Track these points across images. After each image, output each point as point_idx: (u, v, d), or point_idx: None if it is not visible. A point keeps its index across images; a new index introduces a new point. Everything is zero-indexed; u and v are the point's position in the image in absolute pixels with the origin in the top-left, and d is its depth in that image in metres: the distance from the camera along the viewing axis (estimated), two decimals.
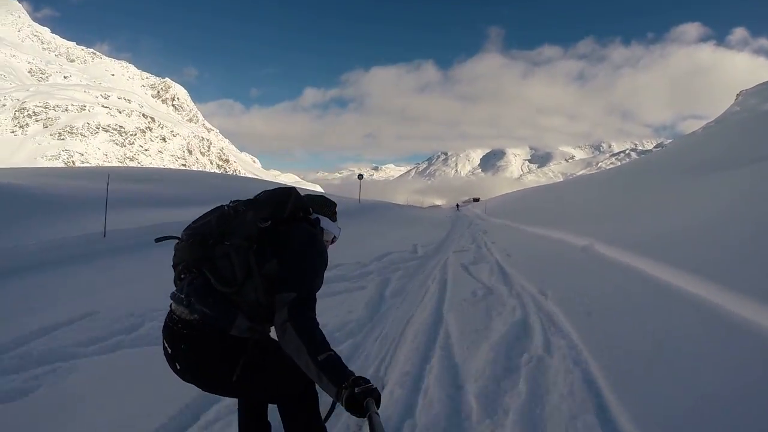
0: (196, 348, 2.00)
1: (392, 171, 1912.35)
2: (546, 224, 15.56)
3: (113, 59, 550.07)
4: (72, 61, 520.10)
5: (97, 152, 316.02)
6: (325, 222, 2.41)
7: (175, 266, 2.20)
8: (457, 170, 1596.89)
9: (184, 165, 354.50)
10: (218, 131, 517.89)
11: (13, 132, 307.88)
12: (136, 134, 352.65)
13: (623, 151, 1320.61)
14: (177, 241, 2.23)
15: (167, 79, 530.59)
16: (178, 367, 2.05)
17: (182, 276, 2.13)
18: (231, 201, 2.27)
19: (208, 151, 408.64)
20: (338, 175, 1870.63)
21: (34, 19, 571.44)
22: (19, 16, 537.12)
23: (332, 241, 2.51)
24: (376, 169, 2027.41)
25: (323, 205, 2.49)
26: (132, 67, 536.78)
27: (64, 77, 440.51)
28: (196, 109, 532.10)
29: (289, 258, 2.04)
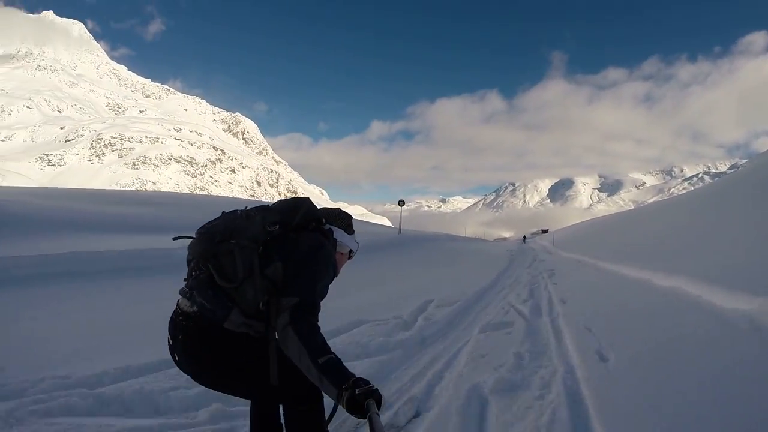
0: (191, 338, 2.03)
1: (460, 203, 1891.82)
2: (625, 259, 12.80)
3: (186, 95, 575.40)
4: (147, 96, 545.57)
5: (169, 182, 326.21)
6: (339, 234, 2.39)
7: (188, 263, 2.23)
8: (525, 201, 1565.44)
9: (253, 196, 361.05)
10: (287, 164, 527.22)
11: (90, 161, 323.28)
12: (206, 165, 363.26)
13: (696, 175, 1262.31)
14: (191, 239, 2.26)
15: (238, 114, 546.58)
16: (177, 358, 2.10)
17: (193, 273, 2.16)
18: (246, 207, 2.32)
19: (277, 182, 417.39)
20: (406, 207, 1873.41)
21: (112, 58, 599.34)
22: (98, 55, 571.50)
23: (349, 256, 2.49)
24: (443, 201, 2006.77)
25: (337, 217, 2.48)
26: (204, 103, 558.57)
27: (140, 111, 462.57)
28: (266, 143, 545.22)
29: (295, 263, 2.09)
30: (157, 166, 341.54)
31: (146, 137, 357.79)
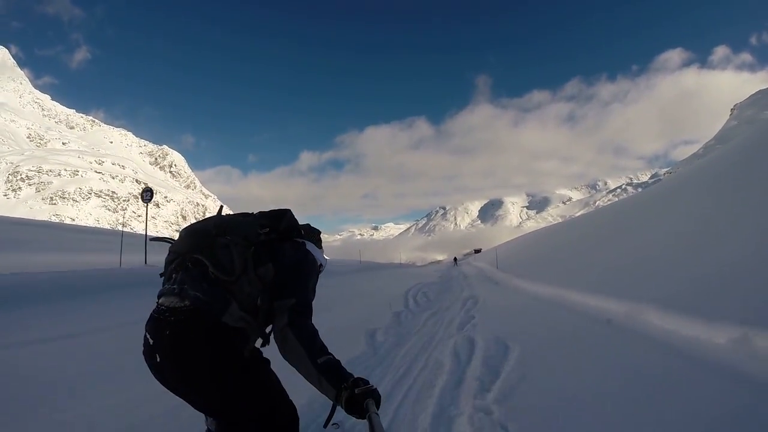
0: (181, 332, 1.90)
1: (392, 230, 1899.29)
2: (556, 281, 12.00)
3: (112, 127, 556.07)
4: (72, 128, 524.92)
5: (89, 217, 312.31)
6: (311, 247, 2.40)
7: (167, 264, 2.16)
8: (456, 223, 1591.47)
9: (178, 231, 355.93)
10: (216, 197, 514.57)
11: (5, 195, 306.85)
12: (128, 200, 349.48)
13: (619, 187, 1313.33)
14: (172, 242, 2.24)
15: (165, 147, 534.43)
16: (158, 359, 1.92)
17: (173, 275, 2.10)
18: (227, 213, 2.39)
19: (203, 216, 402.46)
20: (338, 236, 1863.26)
21: (35, 86, 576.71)
22: (21, 83, 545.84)
23: (319, 270, 2.49)
24: (375, 228, 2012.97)
25: (309, 231, 2.52)
26: (130, 135, 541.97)
27: (63, 143, 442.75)
28: (194, 176, 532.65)
29: (286, 266, 2.11)
30: (76, 201, 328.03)
31: (65, 170, 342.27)
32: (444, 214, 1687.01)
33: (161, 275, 2.25)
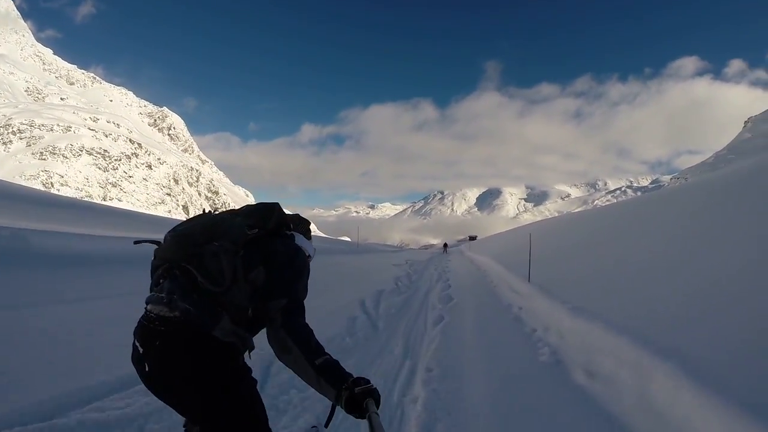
0: (171, 344, 1.89)
1: (388, 209, 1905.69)
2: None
3: (113, 85, 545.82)
4: (72, 84, 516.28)
5: (78, 175, 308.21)
6: (300, 239, 2.40)
7: (154, 270, 2.14)
8: (453, 209, 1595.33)
9: (169, 194, 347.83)
10: (213, 163, 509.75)
11: None
12: (120, 159, 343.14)
13: (619, 188, 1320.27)
14: (157, 245, 2.19)
15: (165, 108, 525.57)
16: (147, 368, 1.91)
17: (161, 281, 2.07)
18: (212, 210, 2.34)
19: (197, 181, 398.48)
20: (334, 212, 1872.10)
21: (38, 39, 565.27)
22: (23, 35, 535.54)
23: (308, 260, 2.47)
24: (372, 207, 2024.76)
25: (299, 222, 2.52)
26: (131, 94, 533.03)
27: (61, 99, 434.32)
28: (192, 140, 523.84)
29: (277, 267, 2.07)
30: (66, 157, 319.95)
31: (58, 125, 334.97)
32: (441, 199, 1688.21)
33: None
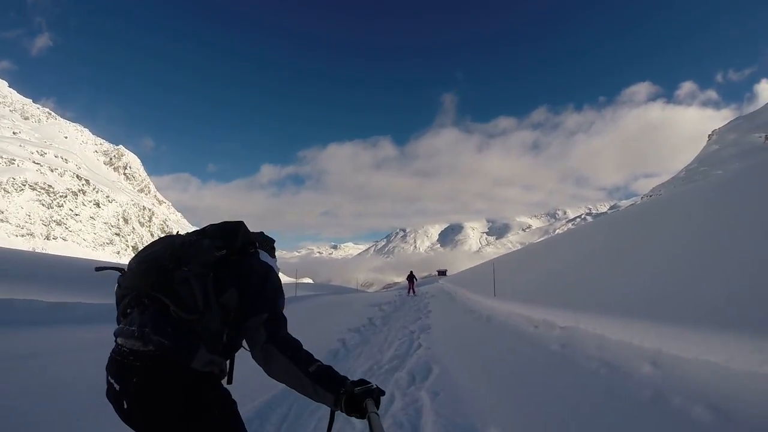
0: (150, 381, 1.78)
1: (351, 249, 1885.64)
2: None
3: (68, 121, 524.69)
4: (26, 118, 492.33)
5: (20, 211, 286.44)
6: (264, 256, 2.32)
7: (120, 300, 2.03)
8: (416, 246, 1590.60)
9: (118, 234, 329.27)
10: (170, 204, 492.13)
11: None
12: (66, 196, 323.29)
13: (579, 216, 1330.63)
14: (121, 272, 2.08)
15: (121, 147, 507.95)
16: (126, 406, 1.79)
17: (128, 310, 1.98)
18: (177, 232, 2.26)
19: (150, 221, 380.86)
20: (297, 254, 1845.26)
21: None
22: None
23: None
24: (335, 247, 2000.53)
25: (264, 240, 2.47)
26: (87, 131, 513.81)
27: (14, 133, 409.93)
28: (149, 180, 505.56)
29: (252, 283, 2.01)
30: (8, 191, 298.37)
31: (1, 158, 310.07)
32: (404, 236, 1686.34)
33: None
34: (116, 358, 1.85)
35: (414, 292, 30.56)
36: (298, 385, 1.81)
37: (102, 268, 2.24)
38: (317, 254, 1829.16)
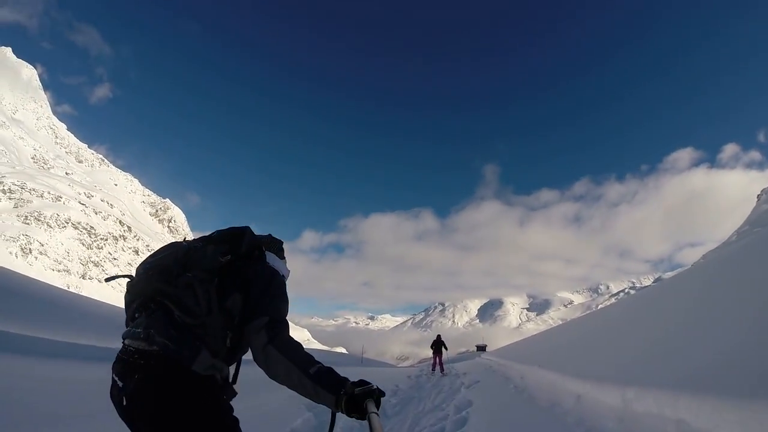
0: (151, 379, 1.84)
1: (388, 321, 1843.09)
2: None
3: (120, 170, 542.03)
4: (80, 161, 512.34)
5: (60, 247, 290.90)
6: (272, 258, 2.37)
7: (128, 305, 2.10)
8: (454, 321, 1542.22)
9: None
10: None
11: None
12: (107, 239, 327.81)
13: (622, 291, 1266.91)
14: (129, 279, 2.15)
15: (168, 200, 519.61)
16: (125, 403, 1.87)
17: (136, 315, 2.04)
18: (184, 239, 2.29)
19: None
20: (333, 322, 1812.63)
21: (54, 112, 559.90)
22: (41, 106, 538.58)
23: None
24: (372, 318, 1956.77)
25: (271, 243, 2.49)
26: (136, 182, 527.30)
27: (66, 173, 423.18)
28: (192, 235, 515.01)
29: (255, 288, 2.06)
30: (51, 226, 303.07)
31: (49, 193, 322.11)
32: (442, 311, 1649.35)
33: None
34: (122, 357, 1.93)
35: (442, 368, 22.83)
36: (299, 387, 1.83)
37: (111, 277, 2.28)
38: (354, 324, 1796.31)
